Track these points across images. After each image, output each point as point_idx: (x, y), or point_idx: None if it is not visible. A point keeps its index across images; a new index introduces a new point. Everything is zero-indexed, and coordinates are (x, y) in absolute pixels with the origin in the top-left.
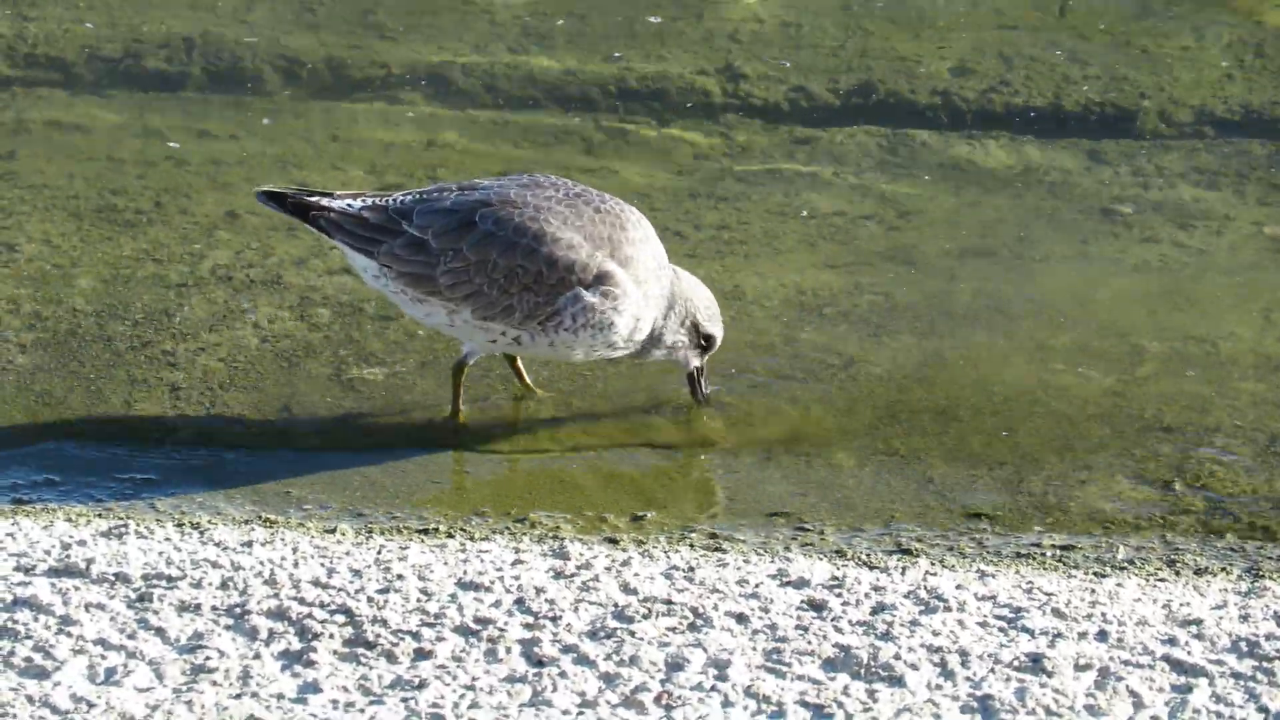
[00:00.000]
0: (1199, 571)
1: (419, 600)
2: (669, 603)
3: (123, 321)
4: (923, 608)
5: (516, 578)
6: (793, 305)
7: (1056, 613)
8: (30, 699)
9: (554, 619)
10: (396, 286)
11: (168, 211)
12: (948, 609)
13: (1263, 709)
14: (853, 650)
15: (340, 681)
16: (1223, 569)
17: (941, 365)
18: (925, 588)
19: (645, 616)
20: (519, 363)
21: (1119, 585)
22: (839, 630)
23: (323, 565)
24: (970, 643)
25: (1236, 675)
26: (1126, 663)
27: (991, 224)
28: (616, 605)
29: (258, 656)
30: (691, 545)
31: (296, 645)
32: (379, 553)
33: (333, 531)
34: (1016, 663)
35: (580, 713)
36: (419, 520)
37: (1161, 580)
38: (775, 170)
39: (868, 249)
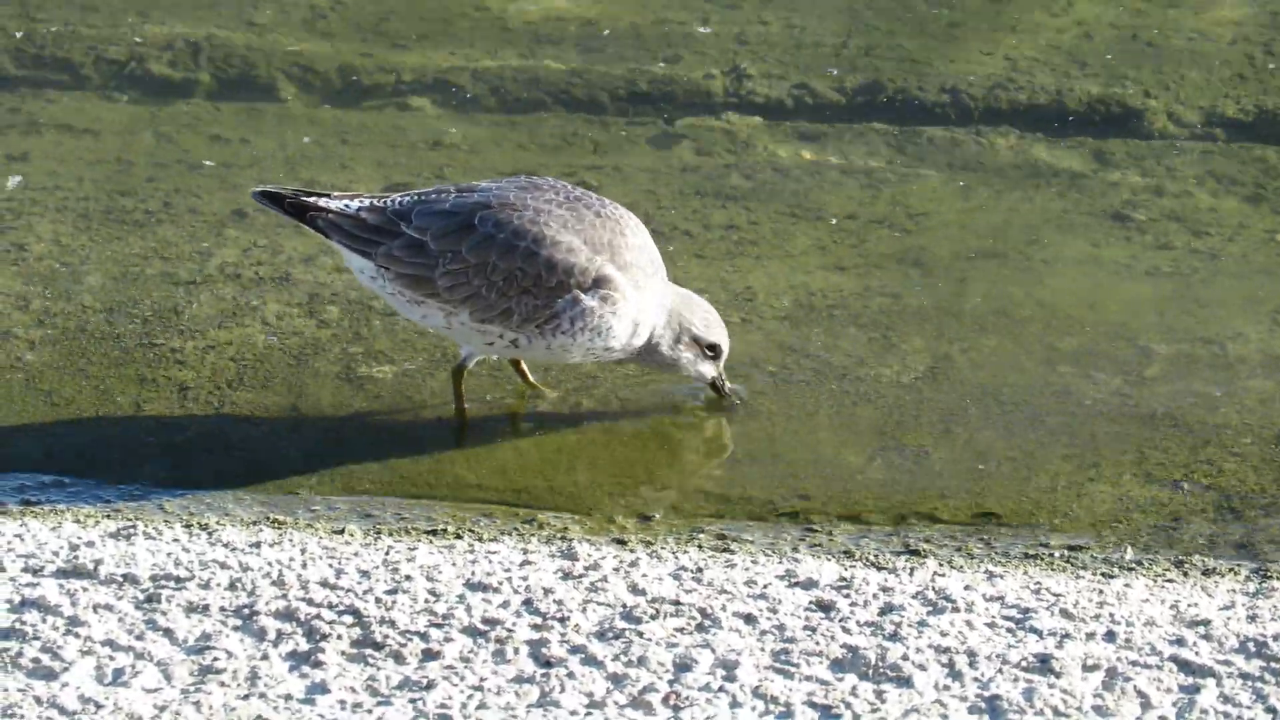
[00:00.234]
0: (1207, 572)
1: (427, 601)
2: (677, 603)
3: (131, 319)
4: (931, 608)
5: (524, 578)
6: (802, 307)
7: (1064, 613)
8: (38, 700)
9: (562, 620)
10: (394, 288)
11: (176, 211)
12: (956, 610)
13: (1270, 709)
14: (861, 651)
15: (348, 682)
16: (1230, 570)
17: (950, 367)
18: (933, 588)
19: (653, 617)
20: (522, 364)
21: (1127, 586)
22: (847, 631)
23: (331, 566)
24: (978, 643)
25: (1244, 676)
26: (1134, 663)
27: (1001, 226)
28: (624, 606)
29: (265, 657)
30: (699, 546)
31: (304, 646)
32: (387, 553)
33: (341, 532)
34: (1024, 663)
35: (588, 713)
36: (427, 521)
37: (1169, 581)
38: (783, 170)
39: (877, 250)
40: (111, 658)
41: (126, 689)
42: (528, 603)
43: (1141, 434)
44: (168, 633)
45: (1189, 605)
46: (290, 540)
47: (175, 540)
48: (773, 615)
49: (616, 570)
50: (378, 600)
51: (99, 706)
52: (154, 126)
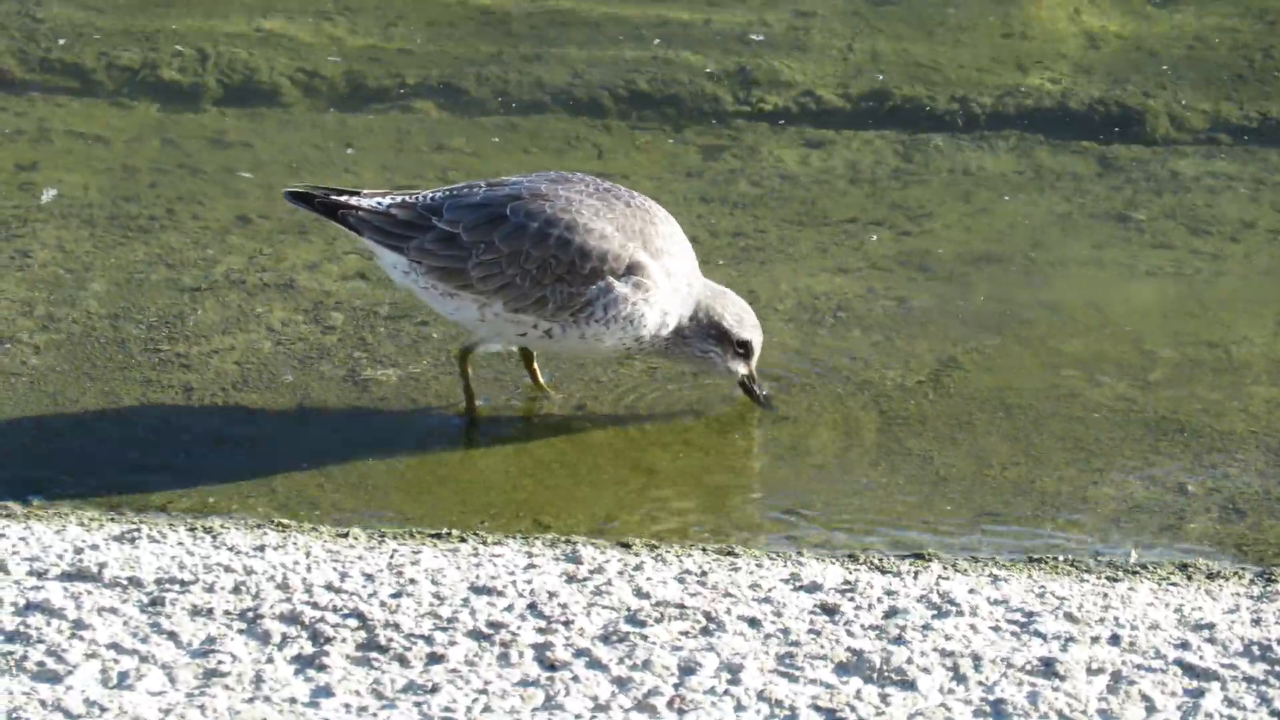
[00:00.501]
0: (1211, 576)
1: (431, 604)
2: (681, 607)
3: (136, 324)
4: (935, 612)
5: (529, 582)
6: (806, 310)
7: (1069, 617)
8: (43, 703)
9: (566, 623)
10: (426, 281)
11: (180, 217)
12: (960, 613)
13: (1275, 713)
14: (865, 654)
15: (353, 685)
16: (1235, 573)
17: (954, 370)
18: (938, 592)
19: (658, 620)
20: (534, 363)
21: (1131, 589)
22: (851, 634)
23: (335, 569)
24: (983, 647)
25: (1249, 679)
26: (1139, 667)
27: (1005, 229)
28: (629, 609)
29: (270, 660)
30: (704, 549)
31: (309, 649)
32: (392, 557)
33: (345, 535)
34: (1029, 667)
35: (593, 717)
36: (432, 524)
37: (1174, 584)
38: (789, 175)
39: (879, 253)
40: (116, 661)
41: (131, 692)
42: (532, 606)
43: (1146, 437)
44: (172, 636)
45: (1193, 609)
46: (294, 543)
47: (180, 543)
48: (777, 618)
49: (621, 573)
50: (382, 603)
51: (104, 710)
52: (161, 134)
